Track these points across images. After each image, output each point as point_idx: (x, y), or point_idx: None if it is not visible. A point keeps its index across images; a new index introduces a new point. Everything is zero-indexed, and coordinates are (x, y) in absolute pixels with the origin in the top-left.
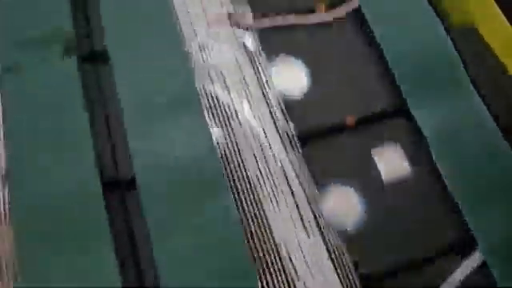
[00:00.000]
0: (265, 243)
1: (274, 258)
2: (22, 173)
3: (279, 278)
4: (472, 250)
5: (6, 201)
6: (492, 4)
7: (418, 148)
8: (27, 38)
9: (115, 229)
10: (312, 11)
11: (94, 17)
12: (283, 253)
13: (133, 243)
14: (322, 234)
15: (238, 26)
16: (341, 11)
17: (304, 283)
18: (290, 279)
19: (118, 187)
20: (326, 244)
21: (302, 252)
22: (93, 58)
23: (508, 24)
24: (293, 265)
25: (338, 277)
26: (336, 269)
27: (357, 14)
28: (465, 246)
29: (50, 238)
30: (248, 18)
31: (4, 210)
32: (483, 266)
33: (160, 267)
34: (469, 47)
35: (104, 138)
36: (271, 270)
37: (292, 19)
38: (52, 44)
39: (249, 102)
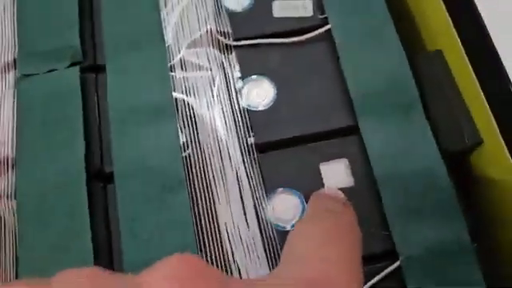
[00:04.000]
0: (210, 229)
1: (216, 240)
2: (26, 161)
3: (217, 253)
4: (392, 262)
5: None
6: (451, 28)
7: (363, 164)
8: (41, 51)
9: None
10: (292, 32)
11: (97, 34)
12: (224, 237)
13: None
14: (259, 227)
15: (218, 45)
16: (314, 33)
17: (237, 260)
18: (226, 257)
19: (102, 179)
20: (261, 236)
21: (241, 238)
22: (93, 69)
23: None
24: (231, 246)
25: (267, 260)
26: (267, 255)
27: (329, 35)
28: (386, 257)
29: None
30: (228, 37)
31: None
32: (395, 273)
33: (125, 247)
34: (430, 72)
35: (95, 136)
36: (211, 246)
37: (269, 40)
38: (60, 57)
39: (219, 112)
